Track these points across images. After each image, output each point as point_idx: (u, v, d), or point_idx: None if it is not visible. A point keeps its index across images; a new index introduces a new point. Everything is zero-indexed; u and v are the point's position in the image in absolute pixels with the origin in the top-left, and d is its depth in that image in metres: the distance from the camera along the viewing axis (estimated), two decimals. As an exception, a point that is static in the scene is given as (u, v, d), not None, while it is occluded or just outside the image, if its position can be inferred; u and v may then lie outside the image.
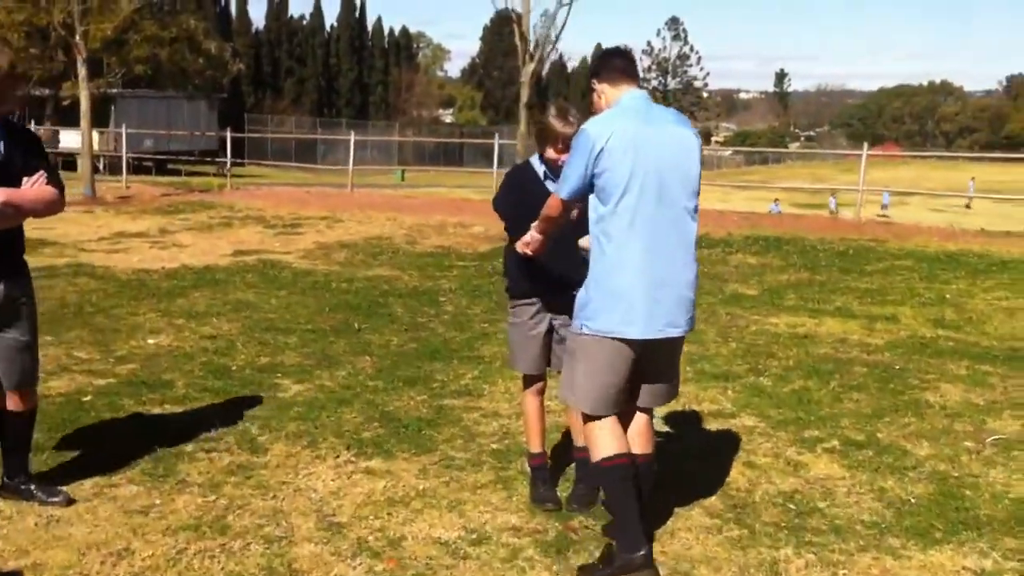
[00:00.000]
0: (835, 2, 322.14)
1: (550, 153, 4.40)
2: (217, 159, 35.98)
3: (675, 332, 3.92)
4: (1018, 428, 5.94)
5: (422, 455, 5.37)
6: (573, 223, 4.45)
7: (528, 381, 4.75)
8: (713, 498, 4.83)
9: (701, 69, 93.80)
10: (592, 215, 3.89)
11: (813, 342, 8.02)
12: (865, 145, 18.35)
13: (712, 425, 5.95)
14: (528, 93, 13.88)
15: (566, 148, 4.25)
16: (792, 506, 4.74)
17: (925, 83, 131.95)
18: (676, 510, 4.66)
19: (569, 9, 13.68)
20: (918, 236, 14.58)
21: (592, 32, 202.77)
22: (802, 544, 4.30)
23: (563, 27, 14.07)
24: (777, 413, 6.16)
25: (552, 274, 4.51)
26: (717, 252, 13.01)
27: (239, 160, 30.15)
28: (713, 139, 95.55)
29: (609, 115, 3.88)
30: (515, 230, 4.44)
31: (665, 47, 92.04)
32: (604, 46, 5.69)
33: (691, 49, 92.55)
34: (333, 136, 51.02)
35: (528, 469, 4.91)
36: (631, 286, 3.81)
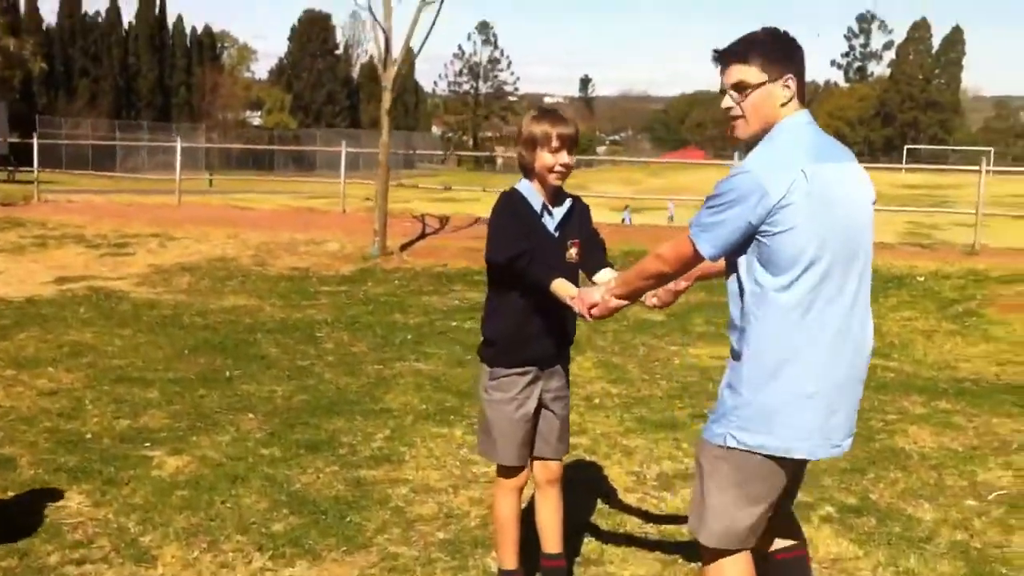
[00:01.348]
0: (636, 11, 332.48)
1: (545, 160, 3.44)
2: (8, 166, 33.27)
3: (849, 443, 2.94)
4: (1010, 478, 5.36)
5: (355, 553, 4.31)
6: (573, 264, 3.56)
7: (508, 474, 3.69)
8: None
9: (511, 74, 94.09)
10: (750, 285, 2.81)
11: (748, 378, 7.32)
12: (735, 155, 18.11)
13: (687, 492, 5.10)
14: (390, 98, 12.79)
15: (564, 146, 3.42)
16: (822, 601, 3.94)
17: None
18: (693, 619, 3.79)
19: (439, 10, 12.63)
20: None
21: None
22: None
23: (432, 27, 12.99)
24: (749, 472, 5.37)
25: (552, 333, 3.58)
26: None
27: (26, 167, 27.70)
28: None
29: (784, 148, 2.78)
30: (527, 266, 3.41)
31: (476, 51, 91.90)
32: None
33: (501, 53, 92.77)
34: (154, 141, 48.10)
35: None
36: (808, 392, 2.79)
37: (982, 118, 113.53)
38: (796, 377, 2.77)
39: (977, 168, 15.76)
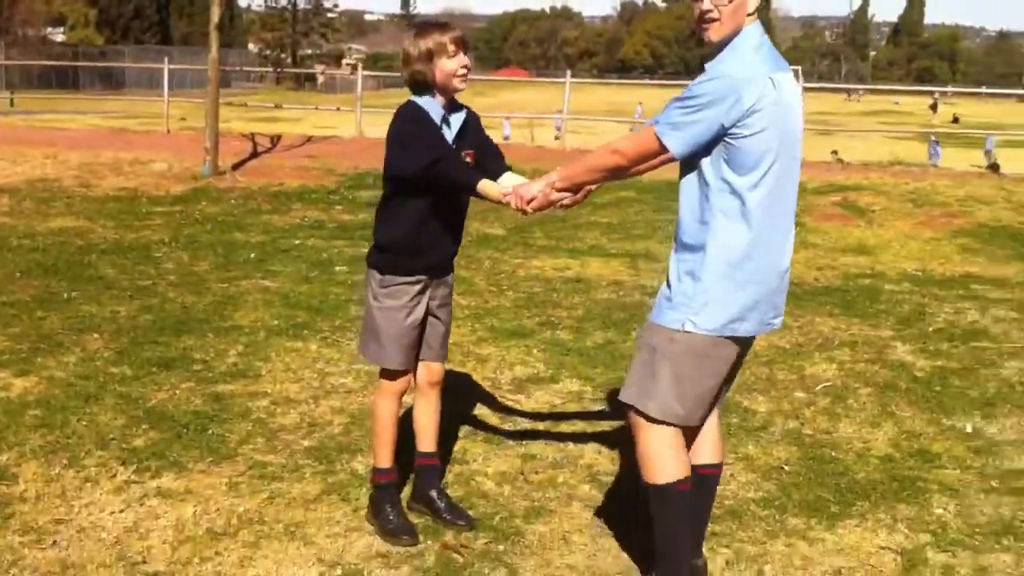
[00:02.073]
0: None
1: (447, 66, 3.49)
2: None
3: (779, 321, 3.23)
4: (835, 371, 5.81)
5: (221, 463, 4.35)
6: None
7: (394, 377, 3.78)
8: (587, 487, 4.23)
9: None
10: (716, 183, 2.98)
11: (590, 287, 7.59)
12: (568, 73, 18.32)
13: (542, 395, 5.34)
14: (219, 12, 12.36)
15: (460, 48, 3.50)
16: (674, 489, 4.23)
17: (547, 8, 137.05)
18: (555, 509, 4.02)
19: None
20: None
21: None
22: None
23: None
24: (597, 373, 5.65)
25: (444, 244, 3.69)
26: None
27: None
28: (344, 62, 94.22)
29: (751, 57, 2.97)
30: (446, 171, 3.48)
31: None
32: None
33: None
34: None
35: (370, 486, 3.94)
36: (759, 278, 3.04)
37: (790, 37, 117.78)
38: (756, 266, 3.02)
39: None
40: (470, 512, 3.92)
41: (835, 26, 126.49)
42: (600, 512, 4.01)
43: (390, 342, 3.68)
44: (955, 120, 48.23)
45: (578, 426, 4.91)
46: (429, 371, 3.88)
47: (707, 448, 3.38)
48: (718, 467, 3.45)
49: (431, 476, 3.96)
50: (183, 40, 78.60)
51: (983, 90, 62.11)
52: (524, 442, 4.66)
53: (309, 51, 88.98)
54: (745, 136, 2.91)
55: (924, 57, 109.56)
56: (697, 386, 3.14)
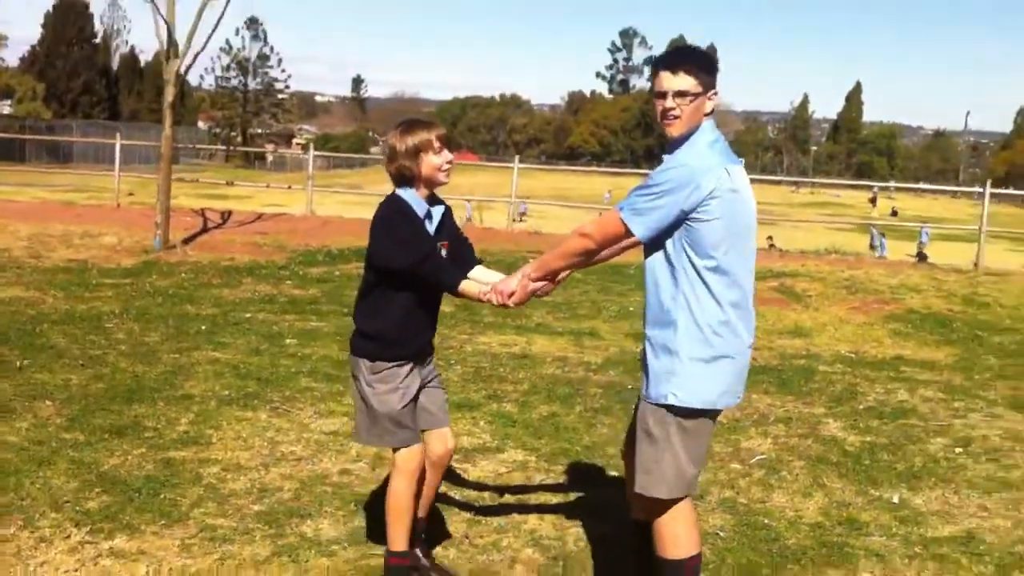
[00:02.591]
0: (406, 13, 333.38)
1: (433, 162, 3.71)
2: None
3: (742, 395, 3.55)
4: (769, 445, 6.04)
5: (173, 526, 4.45)
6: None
7: (411, 454, 3.84)
8: (530, 551, 4.38)
9: (282, 71, 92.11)
10: (682, 263, 3.26)
11: (535, 362, 7.79)
12: (516, 159, 18.74)
13: (487, 464, 5.49)
14: (173, 92, 12.58)
15: (444, 145, 3.72)
16: (617, 551, 4.40)
17: (496, 95, 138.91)
18: (499, 572, 4.17)
19: (225, 7, 12.52)
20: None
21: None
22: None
23: (218, 23, 12.78)
24: (541, 444, 5.82)
25: (427, 329, 3.89)
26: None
27: None
28: (295, 142, 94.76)
29: (707, 150, 3.28)
30: (433, 270, 3.69)
31: (244, 47, 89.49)
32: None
33: (271, 50, 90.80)
34: None
35: (385, 571, 3.96)
36: (735, 349, 3.32)
37: (732, 131, 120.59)
38: (725, 341, 3.27)
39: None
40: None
41: (777, 121, 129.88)
42: (543, 574, 4.16)
43: (391, 424, 3.80)
44: (894, 213, 49.72)
45: (522, 495, 5.06)
46: (443, 438, 3.99)
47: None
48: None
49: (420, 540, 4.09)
50: (131, 116, 78.74)
51: (921, 185, 64.06)
52: (470, 509, 4.81)
53: (259, 130, 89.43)
54: (704, 221, 3.20)
55: (863, 153, 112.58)
56: (695, 453, 3.39)
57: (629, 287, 11.49)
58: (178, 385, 6.67)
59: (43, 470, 4.97)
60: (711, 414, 3.38)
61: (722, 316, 3.27)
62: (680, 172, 3.21)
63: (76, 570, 3.97)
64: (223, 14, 12.58)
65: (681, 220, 3.22)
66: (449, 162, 3.79)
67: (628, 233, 3.27)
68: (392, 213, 3.73)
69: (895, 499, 5.23)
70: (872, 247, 30.05)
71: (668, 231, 3.25)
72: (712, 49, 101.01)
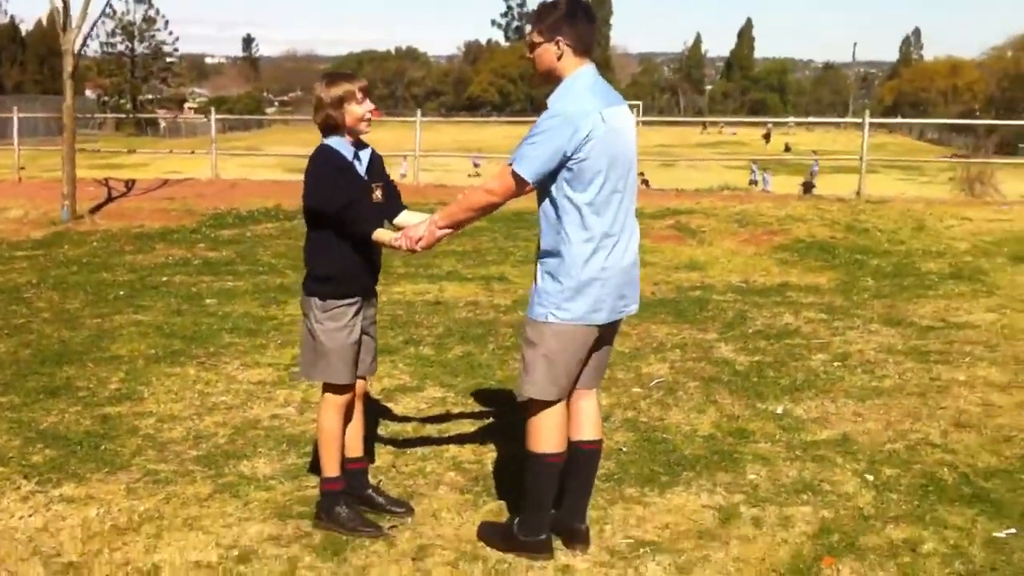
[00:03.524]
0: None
1: (355, 112, 4.03)
2: None
3: (633, 308, 3.95)
4: (667, 369, 6.56)
5: (117, 472, 4.78)
6: (380, 204, 4.18)
7: (341, 392, 4.21)
8: (452, 474, 4.81)
9: (170, 33, 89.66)
10: (561, 200, 3.67)
11: (448, 308, 8.21)
12: (418, 112, 18.97)
13: (409, 401, 5.90)
14: (72, 62, 12.54)
15: (367, 96, 4.05)
16: (528, 470, 4.85)
17: (392, 49, 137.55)
18: (425, 493, 4.59)
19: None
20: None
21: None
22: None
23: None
24: (458, 381, 6.25)
25: (371, 268, 4.21)
26: (298, 224, 12.82)
27: None
28: (187, 106, 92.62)
29: (582, 95, 3.67)
30: (353, 218, 4.01)
31: (129, 10, 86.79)
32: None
33: (157, 12, 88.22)
34: None
35: (320, 496, 4.30)
36: (605, 275, 3.73)
37: (629, 74, 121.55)
38: (598, 264, 3.71)
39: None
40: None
41: (672, 62, 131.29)
42: (465, 492, 4.60)
43: (337, 359, 4.13)
44: (787, 149, 51.00)
45: (442, 426, 5.49)
46: (359, 385, 4.35)
47: (588, 426, 4.04)
48: (598, 442, 4.09)
49: (364, 477, 4.44)
50: (16, 88, 76.16)
51: (810, 120, 65.71)
52: (396, 441, 5.22)
53: (150, 96, 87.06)
54: (582, 160, 3.61)
55: (756, 90, 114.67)
56: (564, 366, 3.83)
57: (534, 232, 11.87)
58: (105, 347, 6.92)
59: (-16, 432, 5.24)
60: (583, 330, 3.80)
61: (595, 245, 3.70)
62: (559, 119, 3.61)
63: (31, 515, 4.28)
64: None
65: (564, 162, 3.62)
66: (372, 111, 4.12)
67: (522, 180, 3.66)
68: (321, 161, 4.06)
69: (779, 410, 5.78)
70: (752, 183, 30.98)
71: (553, 174, 3.66)
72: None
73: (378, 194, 4.16)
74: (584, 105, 3.65)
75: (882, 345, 7.18)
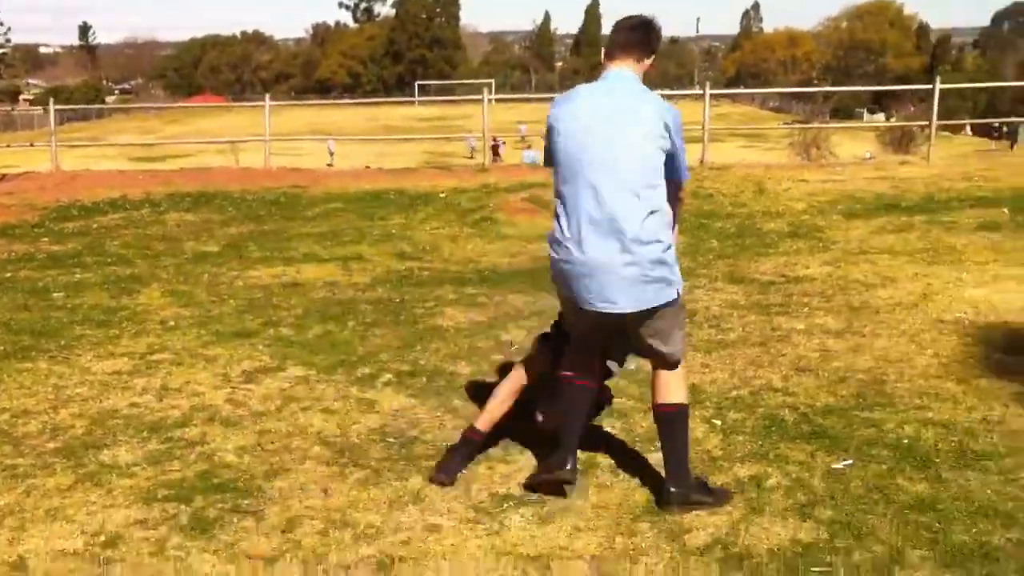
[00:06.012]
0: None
1: None
2: None
3: (603, 306, 4.15)
4: (524, 335, 6.73)
5: (-28, 470, 4.67)
6: None
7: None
8: (318, 448, 4.88)
9: (0, 24, 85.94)
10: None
11: (307, 289, 8.20)
12: (267, 96, 18.66)
13: (271, 382, 5.91)
14: None
15: None
16: (392, 440, 4.96)
17: (237, 33, 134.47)
18: (292, 468, 4.65)
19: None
20: (336, 180, 15.22)
21: None
22: (423, 472, 4.55)
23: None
24: (319, 359, 6.29)
25: None
26: (146, 213, 12.51)
27: None
28: (22, 98, 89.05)
29: (570, 93, 4.24)
30: None
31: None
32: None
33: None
34: None
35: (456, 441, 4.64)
36: (569, 262, 4.10)
37: (481, 52, 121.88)
38: (563, 254, 4.11)
39: (480, 98, 17.74)
40: (215, 481, 4.49)
41: (522, 40, 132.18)
42: (330, 464, 4.68)
43: None
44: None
45: (305, 403, 5.54)
46: None
47: (656, 391, 4.28)
48: (663, 406, 4.25)
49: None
50: None
51: (664, 92, 67.05)
52: (259, 421, 5.25)
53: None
54: (554, 153, 4.08)
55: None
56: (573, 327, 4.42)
57: (389, 211, 12.02)
58: (-49, 343, 6.70)
59: None
60: (568, 302, 4.25)
61: (563, 234, 4.03)
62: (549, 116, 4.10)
63: None
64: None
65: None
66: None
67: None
68: None
69: (632, 367, 6.01)
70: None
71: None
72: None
73: None
74: (559, 103, 4.19)
75: (726, 301, 7.53)
